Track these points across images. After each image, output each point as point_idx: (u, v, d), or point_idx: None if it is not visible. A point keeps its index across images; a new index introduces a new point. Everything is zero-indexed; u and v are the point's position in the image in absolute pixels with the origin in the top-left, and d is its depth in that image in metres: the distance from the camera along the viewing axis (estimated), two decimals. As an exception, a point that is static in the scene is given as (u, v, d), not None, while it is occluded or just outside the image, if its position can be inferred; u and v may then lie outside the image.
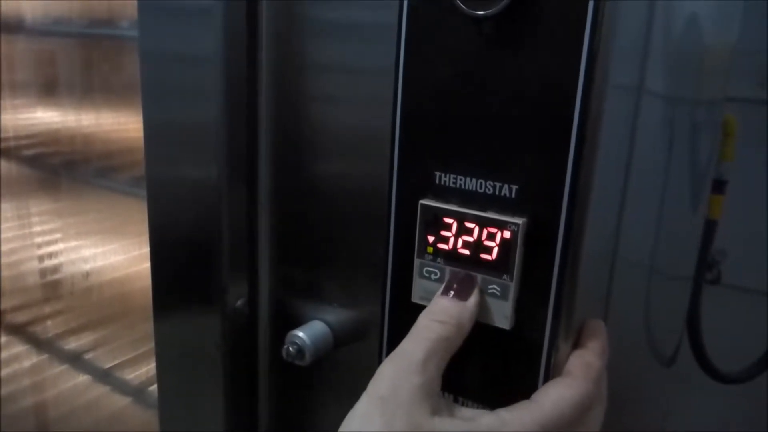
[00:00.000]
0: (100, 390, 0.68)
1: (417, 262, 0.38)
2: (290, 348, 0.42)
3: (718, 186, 0.90)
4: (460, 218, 0.36)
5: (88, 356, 0.63)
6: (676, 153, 0.60)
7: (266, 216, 0.47)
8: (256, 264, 0.47)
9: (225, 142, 0.45)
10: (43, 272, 0.72)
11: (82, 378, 0.66)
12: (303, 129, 0.44)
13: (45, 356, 0.72)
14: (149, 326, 0.50)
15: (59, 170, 0.59)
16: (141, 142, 0.47)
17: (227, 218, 0.46)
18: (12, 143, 0.65)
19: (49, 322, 0.71)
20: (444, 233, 0.36)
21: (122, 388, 0.61)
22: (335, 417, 0.47)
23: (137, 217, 0.51)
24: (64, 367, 0.70)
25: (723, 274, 0.96)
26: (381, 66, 0.38)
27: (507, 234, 0.35)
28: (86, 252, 0.72)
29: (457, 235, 0.36)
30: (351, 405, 0.45)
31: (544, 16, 0.32)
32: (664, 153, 0.55)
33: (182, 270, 0.49)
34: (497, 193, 0.35)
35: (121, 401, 0.67)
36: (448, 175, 0.36)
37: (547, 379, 0.36)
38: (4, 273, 0.74)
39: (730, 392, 0.98)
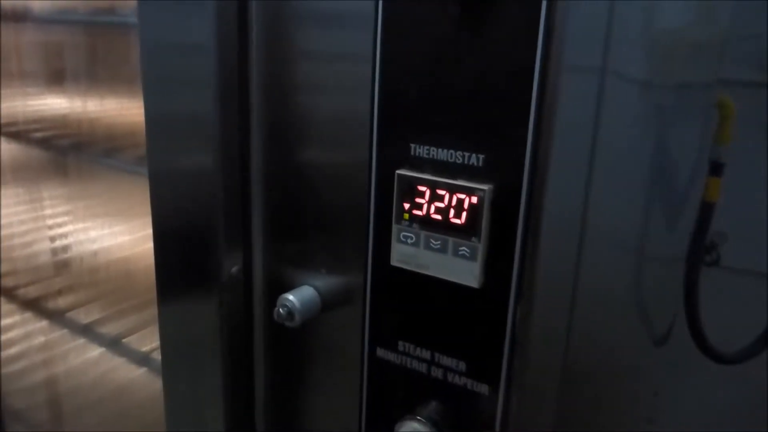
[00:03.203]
0: (108, 357, 0.72)
1: (395, 228, 0.41)
2: (281, 310, 0.45)
3: (716, 168, 0.92)
4: (433, 186, 0.39)
5: (95, 326, 0.67)
6: (660, 136, 0.63)
7: (259, 194, 0.50)
8: (250, 237, 0.50)
9: (219, 127, 0.48)
10: (55, 251, 0.76)
11: (90, 345, 0.70)
12: (291, 114, 0.48)
13: (56, 327, 0.76)
14: (153, 298, 0.53)
15: (67, 151, 0.62)
16: (142, 126, 0.50)
17: (222, 196, 0.49)
18: (22, 127, 0.69)
19: (59, 297, 0.76)
20: (418, 200, 0.40)
21: (129, 354, 0.65)
22: (323, 372, 0.50)
23: (140, 195, 0.54)
24: (73, 336, 0.74)
25: (722, 256, 0.98)
26: (364, 53, 0.41)
27: (475, 199, 0.38)
28: (93, 233, 0.76)
29: (430, 202, 0.39)
30: (336, 363, 0.49)
31: (505, 1, 0.35)
32: (646, 135, 0.58)
33: (183, 246, 0.52)
34: (466, 162, 0.38)
35: (128, 367, 0.71)
36: (422, 147, 0.40)
37: (513, 334, 0.39)
38: (19, 252, 0.78)
39: (724, 373, 1.01)
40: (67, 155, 0.66)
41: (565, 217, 0.42)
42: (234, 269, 0.48)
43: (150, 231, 0.53)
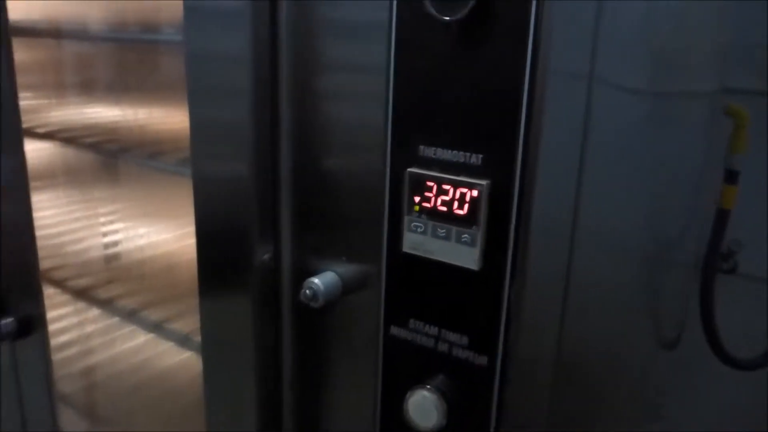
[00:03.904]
0: (151, 343, 0.80)
1: (406, 218, 0.47)
2: (307, 291, 0.51)
3: (731, 177, 0.95)
4: (439, 182, 0.45)
5: (140, 314, 0.74)
6: (661, 142, 0.68)
7: (287, 192, 0.56)
8: (279, 230, 0.56)
9: (253, 133, 0.54)
10: (105, 246, 0.85)
11: (134, 332, 0.77)
12: (315, 120, 0.54)
13: (104, 315, 0.84)
14: (193, 288, 0.60)
15: (116, 155, 0.70)
16: (184, 132, 0.57)
17: (255, 194, 0.55)
18: (75, 133, 0.77)
19: (108, 288, 0.83)
20: (427, 194, 0.46)
21: (171, 337, 0.72)
22: (342, 349, 0.56)
23: (182, 195, 0.60)
24: (119, 323, 0.82)
25: (739, 264, 1.00)
26: (380, 64, 0.47)
27: (475, 193, 0.44)
28: (140, 230, 0.84)
29: (436, 196, 0.45)
30: (354, 341, 0.55)
31: (497, 21, 0.41)
32: (645, 141, 0.62)
33: (221, 238, 0.58)
34: (467, 161, 0.44)
35: (169, 352, 0.79)
36: (429, 149, 0.46)
37: (508, 312, 0.45)
38: (72, 247, 0.87)
39: (733, 376, 1.03)
40: (116, 158, 0.73)
41: (556, 211, 0.48)
42: (265, 257, 0.54)
43: (190, 228, 0.59)
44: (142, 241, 0.82)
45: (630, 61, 0.55)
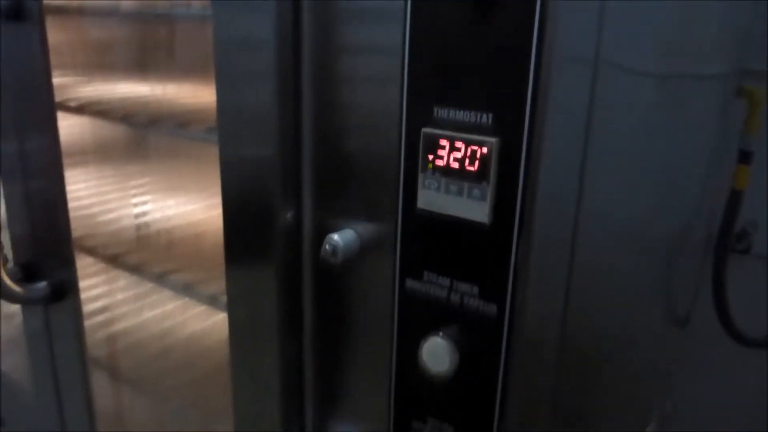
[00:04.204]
0: (178, 305, 0.84)
1: (420, 176, 0.50)
2: (327, 247, 0.55)
3: (744, 157, 0.96)
4: (452, 140, 0.48)
5: (170, 278, 0.78)
6: (672, 121, 0.70)
7: (309, 156, 0.60)
8: (301, 191, 0.60)
9: (276, 110, 0.57)
10: (136, 216, 0.90)
11: (164, 298, 0.81)
12: (336, 101, 0.57)
13: (135, 281, 0.89)
14: (220, 251, 0.64)
15: (146, 126, 0.73)
16: (212, 105, 0.61)
17: (279, 159, 0.59)
18: (106, 106, 0.81)
19: (138, 254, 0.88)
20: (440, 152, 0.49)
21: (198, 297, 0.76)
22: (359, 304, 0.60)
23: (209, 168, 0.64)
24: (150, 289, 0.87)
25: (753, 244, 1.01)
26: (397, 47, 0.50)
27: (485, 150, 0.47)
28: (169, 202, 0.89)
29: (449, 153, 0.48)
30: (370, 296, 0.58)
31: (507, -8, 0.44)
32: (654, 120, 0.65)
33: (247, 200, 0.62)
34: (478, 120, 0.47)
35: (197, 317, 0.83)
36: (443, 109, 0.49)
37: (516, 261, 0.48)
38: (104, 218, 0.92)
39: (744, 356, 1.04)
40: (146, 129, 0.77)
41: (563, 168, 0.50)
42: (288, 215, 0.57)
43: (216, 200, 0.63)
44: (170, 212, 0.87)
45: (645, 42, 0.57)
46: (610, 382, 0.73)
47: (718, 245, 0.96)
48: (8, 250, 0.86)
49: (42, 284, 0.85)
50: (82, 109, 0.82)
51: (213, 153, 0.62)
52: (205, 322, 0.94)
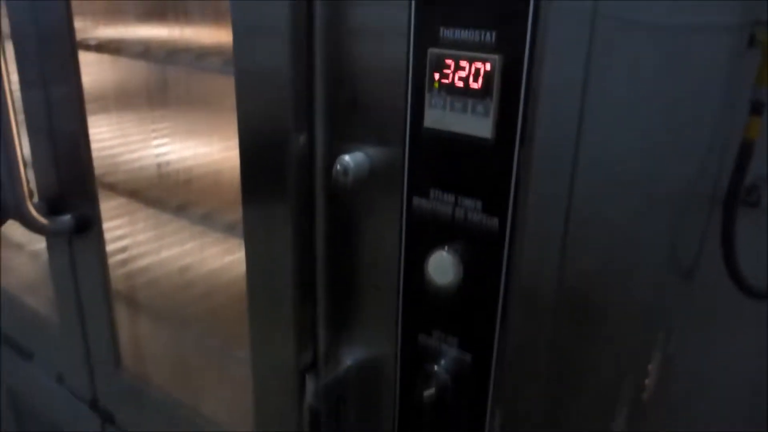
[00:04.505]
0: (198, 229, 0.88)
1: (427, 95, 0.52)
2: (338, 167, 0.57)
3: (756, 108, 0.97)
4: (457, 59, 0.50)
5: (189, 208, 0.82)
6: (679, 74, 0.71)
7: (321, 82, 0.62)
8: (314, 116, 0.62)
9: (289, 30, 0.59)
10: (156, 156, 0.93)
11: (184, 222, 0.85)
12: (348, 24, 0.59)
13: (158, 218, 0.93)
14: (237, 186, 0.67)
15: (165, 60, 0.76)
16: (228, 43, 0.63)
17: (292, 87, 0.61)
18: (126, 44, 0.83)
19: (158, 190, 0.92)
20: (446, 71, 0.51)
21: (215, 227, 0.79)
22: (369, 224, 0.62)
23: (226, 107, 0.67)
24: (168, 218, 0.91)
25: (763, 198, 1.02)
26: None
27: (488, 66, 0.49)
28: (188, 143, 0.92)
29: (454, 72, 0.51)
30: (379, 216, 0.61)
31: None
32: (659, 73, 0.66)
33: (261, 129, 0.64)
34: (482, 39, 0.49)
35: (214, 234, 0.87)
36: (448, 30, 0.50)
37: (518, 175, 0.50)
38: (125, 157, 0.95)
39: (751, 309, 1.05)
40: (165, 64, 0.80)
41: (563, 87, 0.52)
42: (301, 138, 0.60)
43: (233, 142, 0.66)
44: (189, 153, 0.90)
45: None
46: (606, 329, 0.76)
47: (728, 197, 0.97)
48: (33, 187, 0.90)
49: (66, 217, 0.88)
50: (101, 47, 0.84)
51: (230, 96, 0.64)
52: (222, 260, 0.98)
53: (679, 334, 1.07)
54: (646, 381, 1.00)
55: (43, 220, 0.86)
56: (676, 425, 1.13)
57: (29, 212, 0.83)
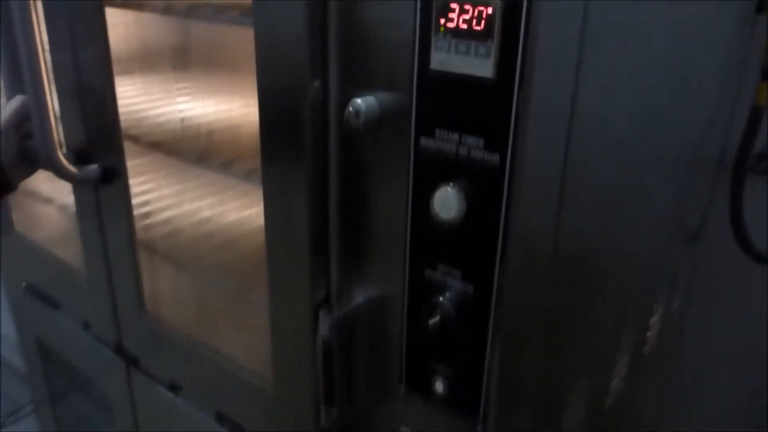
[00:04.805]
0: (218, 177, 0.93)
1: (433, 39, 0.56)
2: (350, 109, 0.61)
3: (766, 73, 0.98)
4: (461, 3, 0.53)
5: (209, 158, 0.86)
6: (683, 38, 0.73)
7: (335, 34, 0.65)
8: (328, 64, 0.66)
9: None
10: (181, 111, 0.98)
11: (205, 172, 0.90)
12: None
13: (179, 170, 0.98)
14: (256, 137, 0.71)
15: (187, 13, 0.80)
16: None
17: (307, 37, 0.64)
18: (147, 2, 0.88)
19: (181, 142, 0.97)
20: (450, 15, 0.54)
21: (234, 175, 0.84)
22: (379, 165, 0.66)
23: (245, 69, 0.70)
24: (190, 167, 0.96)
25: None
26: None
27: (490, 10, 0.52)
28: (209, 101, 0.97)
29: (459, 16, 0.54)
30: (388, 156, 0.64)
31: None
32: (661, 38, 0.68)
33: (278, 77, 0.68)
34: (485, -16, 0.52)
35: (233, 184, 0.92)
36: (454, -24, 0.54)
37: (517, 113, 0.54)
38: (150, 112, 1.00)
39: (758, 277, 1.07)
40: (187, 18, 0.84)
41: (562, 32, 0.55)
42: (316, 83, 0.64)
43: (251, 99, 0.70)
44: (210, 110, 0.95)
45: None
46: (604, 274, 0.79)
47: (737, 162, 0.99)
48: (62, 139, 0.94)
49: (93, 166, 0.93)
50: (126, 3, 0.88)
51: (249, 58, 0.68)
52: (240, 214, 1.03)
53: (683, 293, 1.11)
54: (648, 334, 1.04)
55: (72, 168, 0.90)
56: (681, 378, 1.16)
57: (59, 161, 0.88)
